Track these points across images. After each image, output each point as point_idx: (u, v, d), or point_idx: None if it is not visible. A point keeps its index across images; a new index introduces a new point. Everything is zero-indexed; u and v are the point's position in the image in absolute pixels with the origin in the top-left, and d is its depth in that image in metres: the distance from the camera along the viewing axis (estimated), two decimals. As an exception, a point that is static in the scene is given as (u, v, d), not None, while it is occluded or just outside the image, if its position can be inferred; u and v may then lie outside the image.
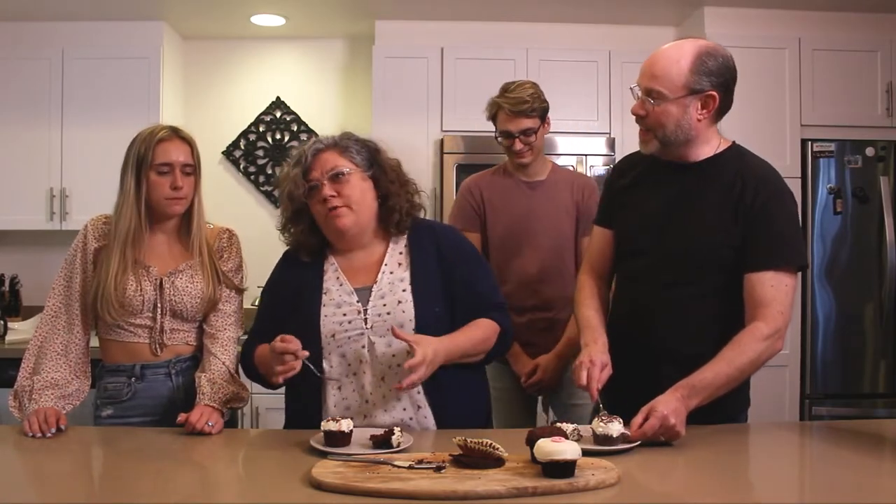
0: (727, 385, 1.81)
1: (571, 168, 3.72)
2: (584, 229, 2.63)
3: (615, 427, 1.67)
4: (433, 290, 1.98)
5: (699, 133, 1.93)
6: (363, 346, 1.93)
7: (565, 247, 2.67)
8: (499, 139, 2.66)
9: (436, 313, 1.96)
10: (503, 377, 2.66)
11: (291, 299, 2.01)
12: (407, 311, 1.94)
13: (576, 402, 2.61)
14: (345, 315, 1.95)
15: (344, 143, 2.01)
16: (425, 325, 1.93)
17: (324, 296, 1.98)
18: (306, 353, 1.81)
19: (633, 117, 1.94)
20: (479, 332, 1.97)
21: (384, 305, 1.95)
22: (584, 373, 1.87)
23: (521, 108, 2.59)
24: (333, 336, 1.93)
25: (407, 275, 1.99)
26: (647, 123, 1.93)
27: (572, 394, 2.60)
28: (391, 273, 2.00)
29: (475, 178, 2.79)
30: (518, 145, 2.61)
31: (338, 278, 2.00)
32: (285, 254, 2.12)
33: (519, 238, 2.65)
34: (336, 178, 1.95)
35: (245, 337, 2.11)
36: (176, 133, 2.08)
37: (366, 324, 1.94)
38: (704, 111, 1.89)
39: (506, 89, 2.65)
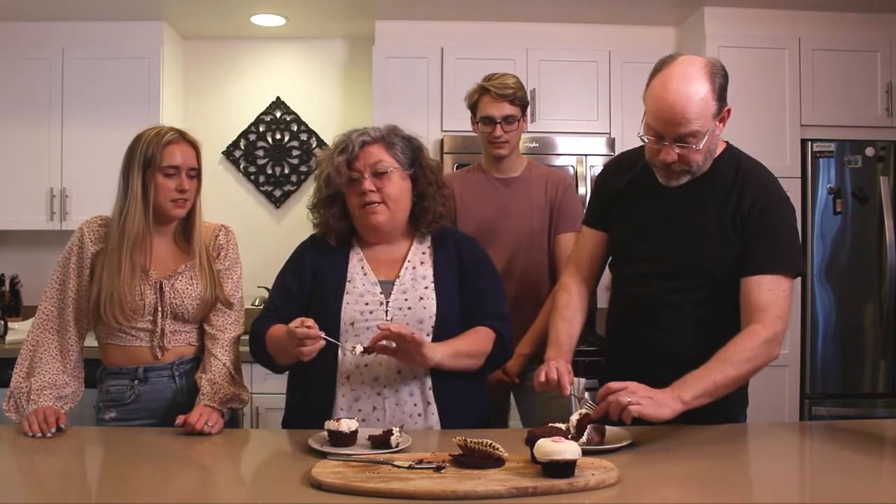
0: (724, 384, 1.76)
1: (571, 168, 3.72)
2: (559, 226, 2.63)
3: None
4: (452, 292, 2.01)
5: (717, 147, 1.92)
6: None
7: (535, 244, 2.65)
8: (479, 126, 2.66)
9: (455, 313, 1.98)
10: None
11: (313, 283, 2.02)
12: (428, 307, 1.96)
13: (552, 394, 2.56)
14: (367, 304, 1.96)
15: (390, 139, 2.01)
16: (444, 323, 1.96)
17: (347, 283, 1.99)
18: (322, 334, 1.79)
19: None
20: (475, 336, 1.98)
21: (406, 300, 1.97)
22: (543, 373, 1.89)
23: (506, 92, 2.60)
24: (353, 324, 1.95)
25: (429, 273, 2.02)
26: (686, 166, 1.85)
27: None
28: (413, 269, 2.02)
29: (448, 177, 2.74)
30: (499, 131, 2.61)
31: (363, 268, 2.02)
32: (312, 237, 2.12)
33: (488, 235, 2.60)
34: (378, 173, 1.97)
35: (246, 335, 2.11)
36: (183, 136, 2.09)
37: (386, 315, 1.95)
38: (721, 125, 1.87)
39: (489, 77, 2.66)
